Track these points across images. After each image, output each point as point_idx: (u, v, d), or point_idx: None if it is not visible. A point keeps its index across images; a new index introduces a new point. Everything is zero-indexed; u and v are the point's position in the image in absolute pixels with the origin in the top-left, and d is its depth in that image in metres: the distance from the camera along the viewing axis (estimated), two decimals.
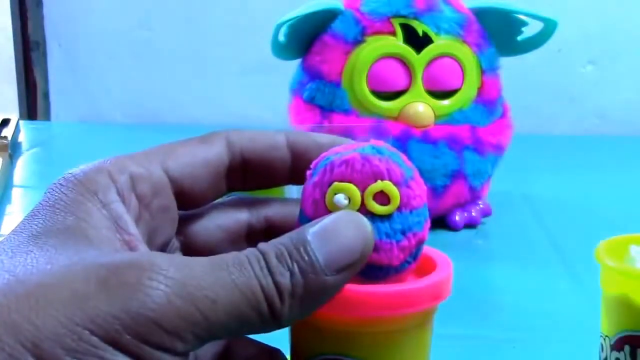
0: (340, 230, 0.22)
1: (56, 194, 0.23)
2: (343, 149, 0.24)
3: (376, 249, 0.23)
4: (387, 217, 0.23)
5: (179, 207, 0.26)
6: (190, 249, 0.27)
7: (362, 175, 0.23)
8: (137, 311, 0.19)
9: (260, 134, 0.27)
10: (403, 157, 0.24)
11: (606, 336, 0.29)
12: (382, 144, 0.24)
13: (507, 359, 0.42)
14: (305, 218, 0.25)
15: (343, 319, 0.23)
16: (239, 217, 0.27)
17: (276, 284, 0.21)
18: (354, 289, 0.23)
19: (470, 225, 0.63)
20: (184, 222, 0.26)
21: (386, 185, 0.23)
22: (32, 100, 1.21)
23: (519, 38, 0.64)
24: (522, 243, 0.60)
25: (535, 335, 0.44)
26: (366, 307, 0.23)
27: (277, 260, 0.21)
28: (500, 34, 0.62)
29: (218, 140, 0.26)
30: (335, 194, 0.23)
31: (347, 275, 0.22)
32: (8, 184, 0.73)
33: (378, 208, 0.23)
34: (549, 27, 0.62)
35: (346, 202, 0.23)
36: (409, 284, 0.24)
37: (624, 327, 0.28)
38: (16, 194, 0.72)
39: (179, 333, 0.20)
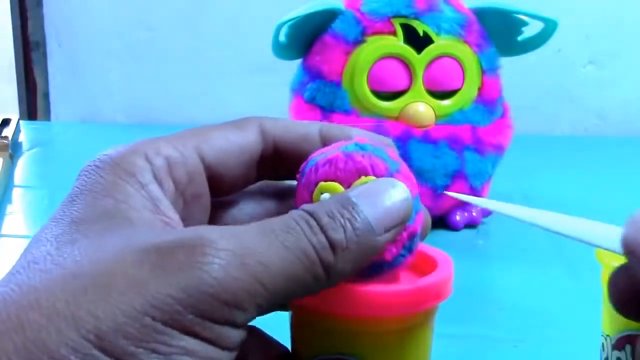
0: (383, 192, 0.22)
1: (93, 177, 0.22)
2: (329, 148, 0.24)
3: None
4: None
5: (212, 197, 0.25)
6: None
7: (345, 172, 0.23)
8: (197, 288, 0.19)
9: (294, 124, 0.27)
10: (389, 151, 0.24)
11: (607, 335, 0.29)
12: (366, 140, 0.24)
13: (508, 358, 0.42)
14: None
15: (344, 318, 0.23)
16: (268, 207, 0.27)
17: (329, 240, 0.21)
18: (356, 289, 0.23)
19: (471, 225, 0.63)
20: (213, 210, 0.26)
21: (370, 180, 0.23)
22: (32, 100, 1.20)
23: (519, 38, 0.64)
24: (522, 243, 0.60)
25: (536, 335, 0.44)
26: (368, 307, 0.23)
27: (329, 217, 0.21)
28: (500, 34, 0.62)
29: (252, 127, 0.26)
30: (322, 193, 0.23)
31: (393, 235, 0.22)
32: (8, 184, 0.73)
33: None
34: (549, 27, 0.62)
35: None
36: (410, 284, 0.24)
37: (625, 326, 0.28)
38: (16, 194, 0.73)
39: (240, 304, 0.19)
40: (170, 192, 0.24)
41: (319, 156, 0.24)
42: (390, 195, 0.22)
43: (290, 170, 0.26)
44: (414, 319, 0.24)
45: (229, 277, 0.19)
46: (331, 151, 0.24)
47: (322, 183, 0.24)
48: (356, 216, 0.21)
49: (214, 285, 0.19)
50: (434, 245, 0.26)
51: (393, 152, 0.25)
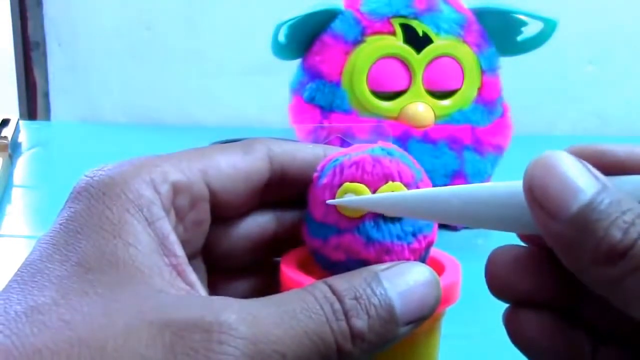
0: (415, 282, 0.22)
1: (100, 207, 0.21)
2: (351, 150, 0.24)
3: (388, 251, 0.23)
4: (398, 219, 0.23)
5: (212, 219, 0.25)
6: (212, 256, 0.26)
7: (372, 176, 0.23)
8: None
9: (300, 149, 0.26)
10: (411, 158, 0.24)
11: None
12: (390, 145, 0.24)
13: (508, 358, 0.42)
14: (313, 222, 0.24)
15: None
16: (265, 225, 0.26)
17: (351, 327, 0.20)
18: None
19: None
20: (210, 230, 0.25)
21: (397, 186, 0.23)
22: (32, 100, 1.20)
23: (519, 38, 0.64)
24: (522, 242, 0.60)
25: None
26: None
27: (356, 301, 0.20)
28: (500, 34, 0.62)
29: (260, 152, 0.25)
30: (346, 194, 0.23)
31: (414, 327, 0.22)
32: (8, 184, 0.73)
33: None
34: (549, 27, 0.62)
35: None
36: None
37: None
38: (16, 194, 0.72)
39: None
40: (172, 222, 0.23)
41: (342, 157, 0.24)
42: (424, 290, 0.22)
43: (294, 196, 0.26)
44: (427, 323, 0.23)
45: None
46: (356, 153, 0.24)
47: (347, 184, 0.23)
48: (383, 303, 0.21)
49: None
50: (433, 246, 0.26)
51: (414, 160, 0.25)
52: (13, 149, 0.81)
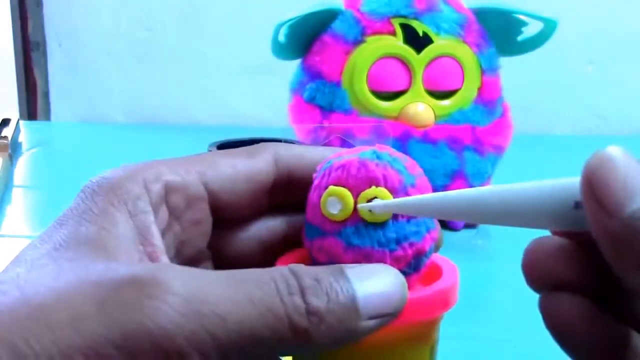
0: (380, 278, 0.21)
1: (87, 202, 0.22)
2: (349, 152, 0.24)
3: (367, 257, 0.22)
4: (380, 225, 0.23)
5: (216, 220, 0.25)
6: (221, 259, 0.26)
7: (356, 180, 0.23)
8: (134, 333, 0.18)
9: (309, 151, 0.26)
10: (408, 163, 0.24)
11: None
12: (386, 148, 0.24)
13: (508, 359, 0.42)
14: (306, 222, 0.24)
15: None
16: (275, 229, 0.26)
17: (307, 304, 0.19)
18: None
19: (470, 225, 0.63)
20: (219, 232, 0.25)
21: (380, 191, 0.22)
22: (32, 100, 1.20)
23: (519, 38, 0.64)
24: (522, 243, 0.60)
25: (536, 335, 0.44)
26: None
27: (316, 282, 0.20)
28: (500, 34, 0.62)
29: (265, 154, 0.25)
30: (330, 197, 0.23)
31: (378, 324, 0.21)
32: (8, 184, 0.73)
33: (369, 215, 0.22)
34: (549, 27, 0.62)
35: (339, 206, 0.23)
36: (412, 293, 0.23)
37: None
38: (16, 194, 0.72)
39: (184, 355, 0.18)
40: (163, 218, 0.23)
41: (335, 159, 0.24)
42: (389, 288, 0.21)
43: (304, 198, 0.25)
44: (417, 329, 0.23)
45: (172, 324, 0.18)
46: (349, 155, 0.23)
47: (331, 187, 0.23)
48: (344, 290, 0.20)
49: (153, 331, 0.18)
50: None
51: (413, 165, 0.24)
52: (13, 149, 0.81)
